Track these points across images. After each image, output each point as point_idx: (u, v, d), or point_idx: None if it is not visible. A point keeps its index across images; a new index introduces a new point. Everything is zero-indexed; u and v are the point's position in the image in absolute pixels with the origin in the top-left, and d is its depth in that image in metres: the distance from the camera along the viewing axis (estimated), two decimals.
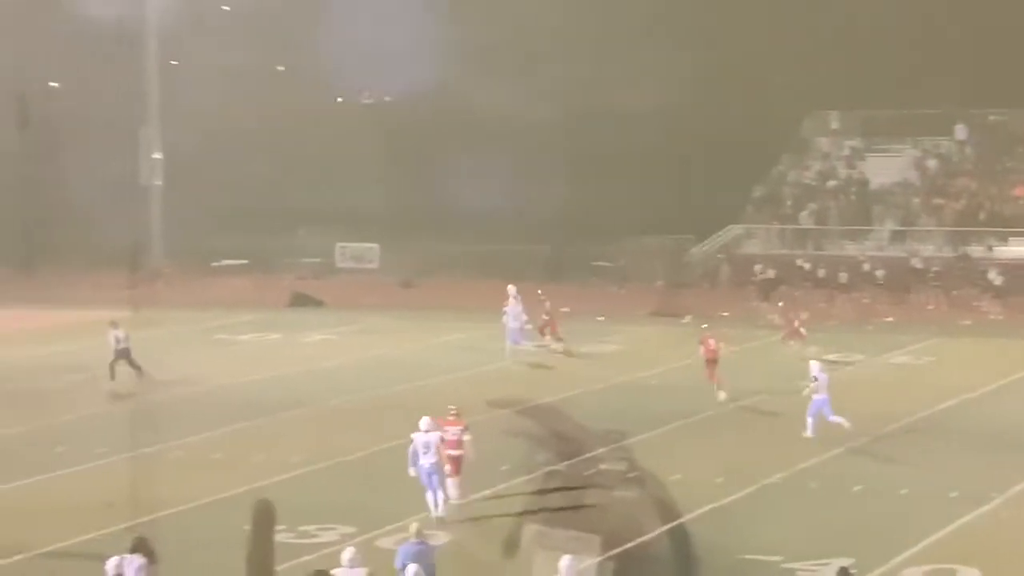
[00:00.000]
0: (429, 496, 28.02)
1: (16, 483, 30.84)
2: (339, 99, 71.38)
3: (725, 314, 53.25)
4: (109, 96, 63.38)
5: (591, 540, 23.58)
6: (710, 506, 28.60)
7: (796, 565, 25.15)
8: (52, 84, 69.45)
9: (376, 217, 64.76)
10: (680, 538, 26.83)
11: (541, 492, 29.80)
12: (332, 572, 20.83)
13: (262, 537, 22.28)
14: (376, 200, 63.81)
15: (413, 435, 28.13)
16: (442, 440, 28.52)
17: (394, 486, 30.00)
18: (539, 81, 64.95)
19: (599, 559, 23.47)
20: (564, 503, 29.19)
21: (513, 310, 46.13)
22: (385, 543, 25.78)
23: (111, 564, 20.87)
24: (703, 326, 44.09)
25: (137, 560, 20.89)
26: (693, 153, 62.98)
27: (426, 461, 27.83)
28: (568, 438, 34.84)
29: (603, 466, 32.03)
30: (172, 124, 63.69)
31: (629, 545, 25.42)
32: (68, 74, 68.51)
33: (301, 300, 58.99)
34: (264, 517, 22.75)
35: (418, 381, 40.74)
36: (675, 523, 27.54)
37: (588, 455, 32.75)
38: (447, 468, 28.66)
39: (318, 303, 58.82)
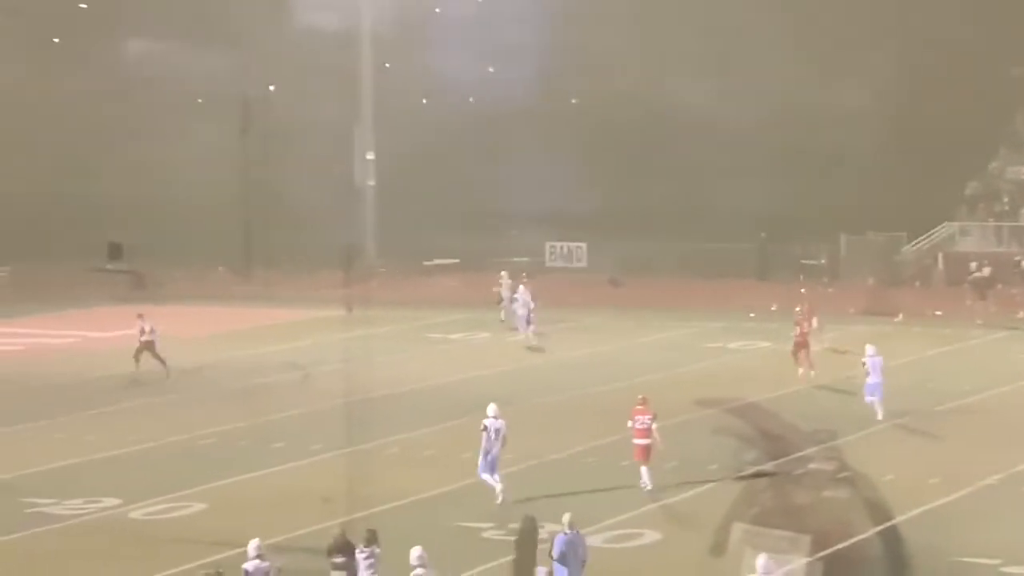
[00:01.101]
0: (487, 477, 29.04)
1: (236, 478, 31.72)
2: (569, 101, 71.76)
3: (938, 313, 52.49)
4: (324, 99, 64.65)
5: (801, 540, 23.51)
6: (924, 508, 28.24)
7: (1017, 569, 24.74)
8: (270, 88, 71.07)
9: (585, 216, 65.03)
10: (892, 540, 26.61)
11: (750, 491, 29.82)
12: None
13: (526, 551, 22.74)
14: (585, 199, 64.07)
15: (485, 422, 29.13)
16: (632, 428, 29.81)
17: (600, 485, 30.28)
18: (748, 79, 64.61)
19: (809, 559, 23.41)
20: (773, 502, 29.17)
21: (523, 297, 48.76)
22: (593, 541, 26.04)
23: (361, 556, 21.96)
24: (796, 309, 43.63)
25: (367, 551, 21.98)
26: (906, 150, 62.06)
27: (492, 447, 28.87)
28: (777, 437, 34.78)
29: (812, 466, 31.90)
30: (385, 125, 64.69)
31: (839, 546, 25.31)
32: (285, 78, 70.05)
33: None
34: (529, 530, 23.20)
35: (625, 380, 40.88)
36: (887, 524, 27.32)
37: (797, 455, 32.67)
38: (636, 455, 29.73)
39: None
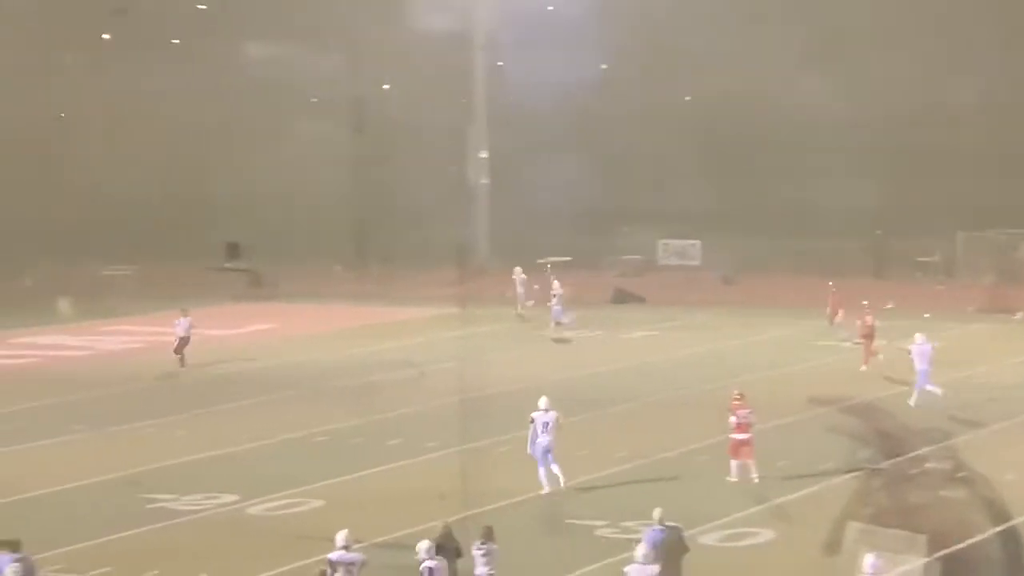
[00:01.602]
0: (541, 471, 29.54)
1: (352, 475, 32.07)
2: (683, 98, 71.64)
3: None
4: (438, 98, 65.06)
5: (917, 540, 23.34)
6: None
7: None
8: (384, 87, 71.58)
9: (698, 213, 64.90)
10: (1012, 541, 26.34)
11: (864, 491, 29.64)
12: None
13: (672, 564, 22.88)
14: (699, 197, 63.94)
15: (533, 414, 29.73)
16: (733, 424, 30.32)
17: (712, 483, 30.27)
18: (862, 78, 64.12)
19: (926, 559, 23.24)
20: (888, 502, 28.97)
21: (558, 292, 51.48)
22: (706, 540, 26.07)
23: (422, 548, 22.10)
24: (863, 302, 43.92)
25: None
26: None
27: (544, 439, 29.47)
28: (891, 436, 34.49)
29: (928, 465, 31.62)
30: (498, 124, 64.99)
31: (957, 546, 25.09)
32: (400, 78, 70.51)
33: (623, 297, 59.60)
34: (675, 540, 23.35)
35: (737, 378, 40.76)
36: (1007, 525, 27.04)
37: (912, 454, 32.41)
38: (741, 451, 30.23)
39: (640, 300, 59.31)
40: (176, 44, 72.51)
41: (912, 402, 36.92)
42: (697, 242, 68.14)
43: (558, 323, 51.45)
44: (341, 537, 22.41)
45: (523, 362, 45.44)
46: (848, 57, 64.98)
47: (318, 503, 29.71)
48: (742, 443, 30.36)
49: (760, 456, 30.57)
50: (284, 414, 38.13)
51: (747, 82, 66.86)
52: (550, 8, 70.82)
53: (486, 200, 67.88)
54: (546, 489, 29.65)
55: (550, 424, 29.74)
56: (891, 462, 31.85)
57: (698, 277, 64.14)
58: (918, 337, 37.32)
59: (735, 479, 30.37)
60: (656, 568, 21.80)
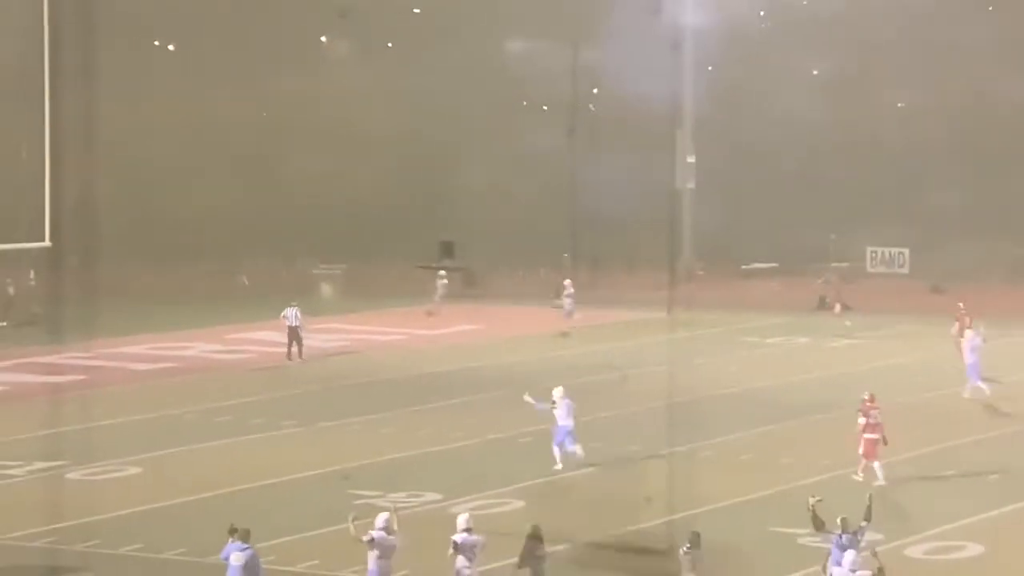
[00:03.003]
0: (555, 449, 32.54)
1: (554, 476, 32.32)
2: (896, 105, 70.76)
3: None
4: (647, 102, 65.02)
5: None
6: None
7: None
8: (594, 91, 71.83)
9: (908, 220, 63.95)
10: None
11: None
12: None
13: None
14: (909, 203, 63.04)
15: (555, 398, 32.64)
16: (862, 425, 31.42)
17: (918, 495, 29.91)
18: None
19: None
20: None
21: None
22: (912, 553, 25.80)
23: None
24: (959, 304, 44.49)
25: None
26: None
27: (566, 423, 32.40)
28: None
29: None
30: (706, 128, 64.75)
31: None
32: (610, 81, 70.60)
33: (829, 304, 58.94)
34: None
35: (941, 390, 40.22)
36: None
37: None
38: (866, 451, 31.24)
39: (846, 308, 58.59)
40: (390, 47, 73.63)
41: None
42: (905, 250, 67.09)
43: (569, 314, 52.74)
44: (463, 520, 23.52)
45: (727, 368, 45.31)
46: None
47: (519, 503, 30.02)
48: (873, 443, 31.07)
49: (972, 468, 30.20)
50: (489, 414, 38.52)
51: (964, 86, 65.67)
52: (762, 13, 70.43)
53: (692, 205, 67.66)
54: (559, 466, 32.37)
55: (570, 410, 32.54)
56: None
57: (906, 286, 63.17)
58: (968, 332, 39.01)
59: (860, 478, 30.95)
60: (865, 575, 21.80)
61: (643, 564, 25.28)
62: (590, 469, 32.70)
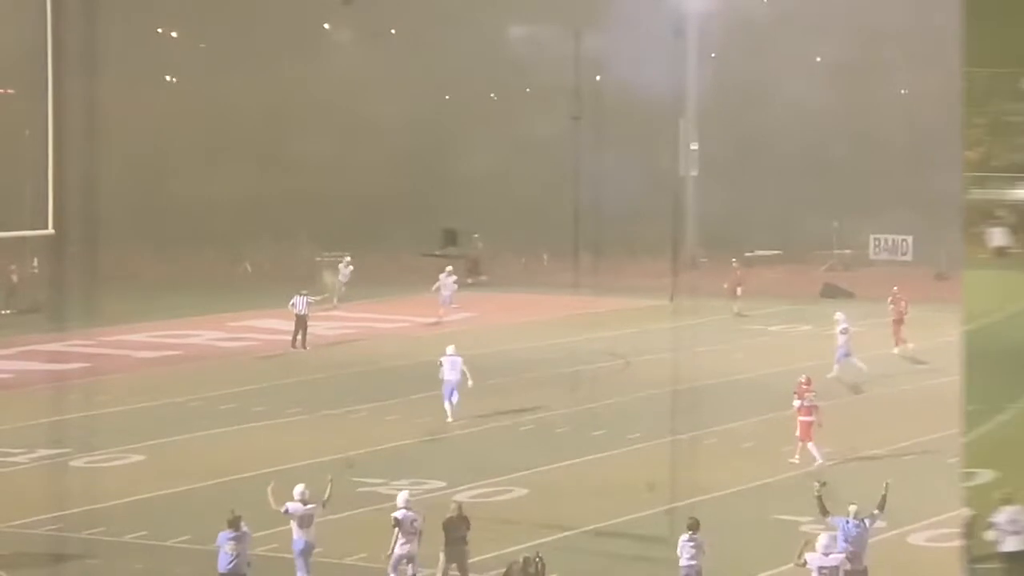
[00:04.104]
0: (447, 405, 35.54)
1: (556, 464, 32.40)
2: (899, 91, 70.74)
3: None
4: (650, 89, 65.00)
5: None
6: None
7: None
8: (597, 78, 71.77)
9: (911, 208, 63.88)
10: None
11: None
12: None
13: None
14: (911, 191, 62.96)
15: (441, 358, 36.02)
16: (799, 407, 31.93)
17: (921, 480, 29.94)
18: None
19: None
20: None
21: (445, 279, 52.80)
22: (915, 540, 25.84)
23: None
24: (894, 288, 46.48)
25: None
26: None
27: (451, 377, 35.71)
28: None
29: None
30: (710, 115, 64.72)
31: None
32: (612, 68, 70.60)
33: (831, 291, 59.01)
34: None
35: (944, 378, 40.24)
36: None
37: None
38: (802, 433, 31.81)
39: (848, 295, 58.66)
40: (393, 34, 73.63)
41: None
42: (909, 237, 67.05)
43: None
44: (402, 498, 24.43)
45: (729, 356, 45.34)
46: None
47: (522, 491, 30.08)
48: (807, 425, 31.68)
49: None
50: (493, 402, 38.53)
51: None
52: (764, 1, 70.39)
53: (695, 192, 67.64)
54: (450, 419, 35.40)
55: (457, 365, 35.69)
56: None
57: (910, 273, 63.11)
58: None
59: (796, 460, 31.63)
60: (839, 558, 21.90)
61: (645, 551, 25.31)
62: (594, 456, 32.71)
